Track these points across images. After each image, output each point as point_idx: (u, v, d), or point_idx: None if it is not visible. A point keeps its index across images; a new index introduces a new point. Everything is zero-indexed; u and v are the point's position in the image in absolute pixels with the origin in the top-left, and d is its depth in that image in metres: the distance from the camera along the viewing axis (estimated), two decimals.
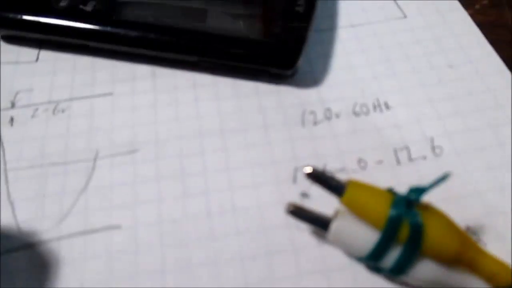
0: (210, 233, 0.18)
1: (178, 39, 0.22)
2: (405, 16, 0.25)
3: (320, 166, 0.20)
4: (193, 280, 0.17)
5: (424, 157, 0.20)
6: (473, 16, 0.27)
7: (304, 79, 0.22)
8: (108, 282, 0.17)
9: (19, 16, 0.23)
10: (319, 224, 0.17)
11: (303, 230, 0.18)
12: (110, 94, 0.22)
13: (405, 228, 0.15)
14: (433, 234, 0.15)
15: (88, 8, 0.23)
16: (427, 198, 0.16)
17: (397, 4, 0.26)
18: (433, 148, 0.20)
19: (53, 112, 0.21)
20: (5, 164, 0.20)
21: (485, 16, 0.28)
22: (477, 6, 0.28)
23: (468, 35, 0.24)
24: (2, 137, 0.20)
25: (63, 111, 0.21)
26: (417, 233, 0.15)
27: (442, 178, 0.15)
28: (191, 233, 0.18)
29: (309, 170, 0.16)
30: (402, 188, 0.18)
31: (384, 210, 0.15)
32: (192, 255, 0.17)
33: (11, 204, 0.19)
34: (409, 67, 0.23)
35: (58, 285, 0.17)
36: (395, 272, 0.16)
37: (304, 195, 0.19)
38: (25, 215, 0.18)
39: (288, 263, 0.17)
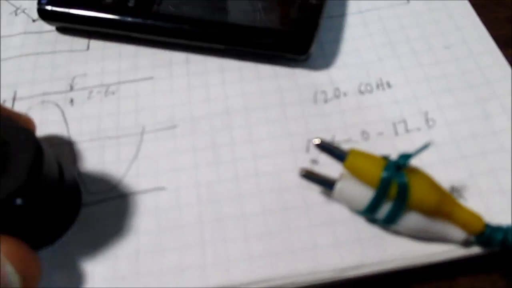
0: (238, 193, 0.22)
1: (208, 30, 0.25)
2: (408, 1, 0.28)
3: (329, 138, 0.23)
4: (224, 230, 0.21)
5: (419, 129, 0.23)
6: None
7: (316, 62, 0.26)
8: (157, 233, 0.21)
9: (71, 11, 0.27)
10: (327, 184, 0.21)
11: (313, 190, 0.22)
12: (151, 78, 0.26)
13: (394, 187, 0.19)
14: (417, 191, 0.19)
15: (131, 3, 0.26)
16: (419, 163, 0.20)
17: None
18: (427, 120, 0.24)
19: (105, 94, 0.25)
20: (69, 137, 0.24)
21: None
22: None
23: (464, 18, 0.27)
24: (65, 115, 0.25)
25: (113, 93, 0.25)
26: (403, 190, 0.19)
27: (424, 147, 0.19)
28: (222, 193, 0.22)
29: (317, 141, 0.20)
30: None
31: (378, 173, 0.19)
32: (223, 210, 0.21)
33: (77, 169, 0.23)
34: (409, 48, 0.26)
35: (118, 235, 0.21)
36: (387, 222, 0.20)
37: (314, 161, 0.22)
38: (89, 178, 0.23)
39: (301, 217, 0.21)
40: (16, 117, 0.20)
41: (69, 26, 0.28)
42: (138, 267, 0.20)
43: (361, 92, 0.25)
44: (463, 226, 0.19)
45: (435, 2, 0.28)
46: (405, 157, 0.19)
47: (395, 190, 0.19)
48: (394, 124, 0.24)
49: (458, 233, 0.19)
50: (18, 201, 0.17)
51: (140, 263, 0.20)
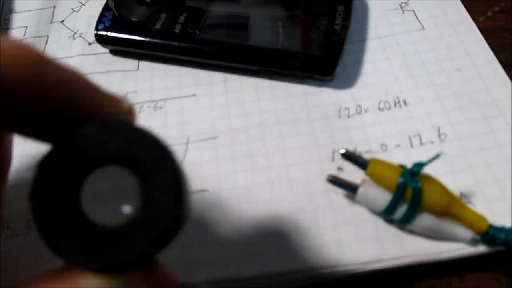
0: (272, 196, 0.25)
1: (244, 53, 0.29)
2: (423, 28, 0.31)
3: (351, 149, 0.26)
4: (260, 227, 0.24)
5: (432, 142, 0.26)
6: (485, 22, 0.33)
7: (340, 82, 0.29)
8: (203, 227, 0.24)
9: (123, 36, 0.30)
10: (350, 189, 0.24)
11: (338, 193, 0.25)
12: (194, 95, 0.29)
13: (409, 191, 0.22)
14: (429, 195, 0.22)
15: (176, 30, 0.30)
16: (432, 172, 0.23)
17: (417, 18, 0.32)
18: (439, 135, 0.26)
19: (154, 108, 0.29)
20: None
21: (496, 22, 0.33)
22: (489, 13, 0.33)
23: (474, 43, 0.30)
24: None
25: (161, 108, 0.29)
26: (417, 194, 0.22)
27: (436, 156, 0.22)
28: (258, 195, 0.25)
29: (343, 151, 0.23)
30: None
31: (395, 179, 0.22)
32: (259, 211, 0.25)
33: None
34: (424, 71, 0.29)
35: None
36: (403, 222, 0.22)
37: (340, 169, 0.25)
38: None
39: (328, 217, 0.24)
40: (111, 102, 0.14)
41: (121, 49, 0.31)
42: (185, 256, 0.23)
43: (380, 109, 0.28)
44: (470, 225, 0.22)
45: (448, 29, 0.31)
46: (419, 165, 0.22)
47: (410, 194, 0.22)
48: (409, 138, 0.26)
49: (466, 233, 0.22)
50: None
51: (186, 253, 0.23)
